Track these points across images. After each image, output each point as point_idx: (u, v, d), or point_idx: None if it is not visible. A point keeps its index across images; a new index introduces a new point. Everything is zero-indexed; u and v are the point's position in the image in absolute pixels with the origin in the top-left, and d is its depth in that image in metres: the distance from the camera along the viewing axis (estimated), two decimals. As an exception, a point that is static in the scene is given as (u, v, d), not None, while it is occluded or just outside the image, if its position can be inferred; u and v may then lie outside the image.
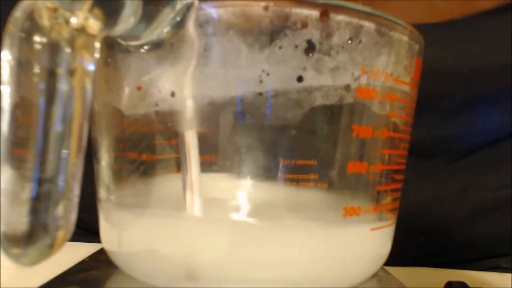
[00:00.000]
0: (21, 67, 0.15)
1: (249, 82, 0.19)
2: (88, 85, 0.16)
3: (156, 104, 0.20)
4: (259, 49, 0.19)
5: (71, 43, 0.16)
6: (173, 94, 0.20)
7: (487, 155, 0.45)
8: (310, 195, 0.21)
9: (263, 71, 0.19)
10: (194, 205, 0.20)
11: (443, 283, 0.31)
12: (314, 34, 0.19)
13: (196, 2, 0.18)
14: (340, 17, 0.19)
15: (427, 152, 0.45)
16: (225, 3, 0.19)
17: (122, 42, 0.20)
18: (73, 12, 0.16)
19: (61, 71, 0.16)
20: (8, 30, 0.15)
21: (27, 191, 0.16)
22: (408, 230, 0.37)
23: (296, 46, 0.19)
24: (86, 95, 0.16)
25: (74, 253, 0.26)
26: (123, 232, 0.22)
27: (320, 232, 0.21)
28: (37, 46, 0.15)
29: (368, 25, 0.20)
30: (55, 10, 0.15)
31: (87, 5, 0.16)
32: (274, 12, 0.18)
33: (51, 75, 0.16)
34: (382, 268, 0.27)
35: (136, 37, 0.19)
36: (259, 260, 0.20)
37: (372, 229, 0.22)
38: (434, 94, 0.42)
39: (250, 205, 0.20)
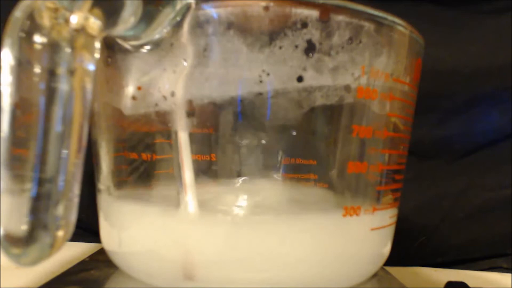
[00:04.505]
0: (21, 67, 0.15)
1: (249, 82, 0.19)
2: (88, 85, 0.16)
3: (156, 104, 0.20)
4: (259, 49, 0.19)
5: (71, 43, 0.16)
6: (173, 94, 0.20)
7: (487, 155, 0.45)
8: (310, 195, 0.21)
9: (263, 71, 0.19)
10: (190, 204, 0.20)
11: (443, 283, 0.31)
12: (314, 34, 0.19)
13: (197, 2, 0.18)
14: (340, 17, 0.19)
15: (427, 152, 0.45)
16: (225, 3, 0.19)
17: (122, 42, 0.20)
18: (73, 12, 0.16)
19: (61, 71, 0.16)
20: (8, 30, 0.15)
21: (27, 191, 0.16)
22: (408, 230, 0.37)
23: (296, 46, 0.19)
24: (86, 95, 0.16)
25: (74, 253, 0.26)
26: (123, 232, 0.22)
27: (320, 232, 0.21)
28: (37, 46, 0.15)
29: (368, 25, 0.20)
30: (55, 10, 0.15)
31: (87, 5, 0.16)
32: (274, 12, 0.18)
33: (51, 75, 0.16)
34: (382, 268, 0.27)
35: (136, 37, 0.19)
36: (258, 260, 0.20)
37: (372, 229, 0.22)
38: (434, 94, 0.42)
39: (249, 205, 0.20)
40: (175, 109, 0.20)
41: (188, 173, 0.20)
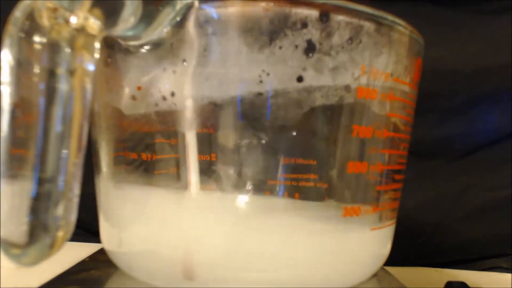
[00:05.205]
0: (21, 67, 0.15)
1: (249, 82, 0.19)
2: (88, 85, 0.16)
3: (156, 104, 0.20)
4: (259, 49, 0.19)
5: (71, 43, 0.16)
6: (173, 94, 0.20)
7: (487, 155, 0.45)
8: (310, 195, 0.21)
9: (263, 71, 0.19)
10: (193, 204, 0.20)
11: (443, 283, 0.31)
12: (314, 34, 0.19)
13: (196, 2, 0.18)
14: (340, 17, 0.19)
15: (427, 152, 0.45)
16: (225, 3, 0.19)
17: (122, 42, 0.20)
18: (73, 12, 0.16)
19: (61, 71, 0.16)
20: (8, 30, 0.15)
21: (27, 191, 0.16)
22: (408, 230, 0.37)
23: (296, 46, 0.19)
24: (86, 95, 0.16)
25: (74, 253, 0.26)
26: (123, 232, 0.22)
27: (320, 232, 0.21)
28: (37, 46, 0.15)
29: (368, 25, 0.20)
30: (55, 10, 0.15)
31: (87, 5, 0.16)
32: (274, 12, 0.18)
33: (51, 75, 0.16)
34: (382, 268, 0.27)
35: (136, 37, 0.19)
36: (258, 260, 0.20)
37: (372, 229, 0.22)
38: (434, 94, 0.42)
39: (249, 205, 0.20)
40: (175, 109, 0.20)
41: (193, 174, 0.20)
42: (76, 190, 0.17)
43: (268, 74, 0.19)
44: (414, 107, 0.24)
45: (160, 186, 0.22)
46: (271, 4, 0.18)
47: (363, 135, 0.21)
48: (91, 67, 0.16)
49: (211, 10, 0.19)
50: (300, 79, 0.19)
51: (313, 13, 0.19)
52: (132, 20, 0.18)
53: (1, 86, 0.15)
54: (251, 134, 0.20)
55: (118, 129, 0.23)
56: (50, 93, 0.16)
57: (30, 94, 0.16)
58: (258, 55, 0.19)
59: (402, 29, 0.21)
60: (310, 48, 0.19)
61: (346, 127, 0.21)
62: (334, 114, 0.20)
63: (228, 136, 0.20)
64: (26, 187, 0.16)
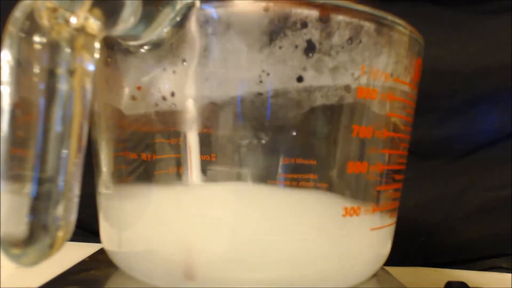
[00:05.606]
0: (21, 67, 0.15)
1: (249, 82, 0.19)
2: (88, 85, 0.16)
3: (156, 104, 0.20)
4: (259, 49, 0.19)
5: (71, 43, 0.16)
6: (173, 94, 0.20)
7: (487, 155, 0.45)
8: (310, 195, 0.21)
9: (263, 71, 0.19)
10: (193, 204, 0.20)
11: (443, 283, 0.31)
12: (314, 34, 0.19)
13: (197, 2, 0.18)
14: (340, 17, 0.19)
15: (427, 152, 0.45)
16: (225, 3, 0.19)
17: (122, 42, 0.20)
18: (73, 12, 0.16)
19: (61, 71, 0.16)
20: (8, 30, 0.15)
21: (27, 191, 0.16)
22: (408, 230, 0.37)
23: (296, 46, 0.19)
24: (86, 95, 0.16)
25: (74, 253, 0.26)
26: (123, 232, 0.22)
27: (320, 232, 0.21)
28: (37, 46, 0.15)
29: (368, 25, 0.20)
30: (55, 10, 0.15)
31: (87, 5, 0.16)
32: (274, 12, 0.18)
33: (51, 75, 0.16)
34: (382, 268, 0.27)
35: (136, 37, 0.19)
36: (258, 260, 0.20)
37: (372, 229, 0.22)
38: (434, 94, 0.42)
39: (249, 205, 0.20)
40: (175, 109, 0.20)
41: (195, 174, 0.20)
42: (76, 190, 0.17)
43: (268, 74, 0.19)
44: (414, 107, 0.24)
45: (160, 186, 0.22)
46: (271, 4, 0.18)
47: (363, 135, 0.21)
48: (91, 67, 0.16)
49: (211, 10, 0.19)
50: (300, 79, 0.19)
51: (313, 13, 0.19)
52: (132, 20, 0.18)
53: (1, 86, 0.15)
54: (251, 134, 0.20)
55: (118, 129, 0.23)
56: (50, 93, 0.16)
57: (30, 94, 0.16)
58: (258, 55, 0.19)
59: (402, 29, 0.21)
60: (310, 48, 0.19)
61: (346, 127, 0.21)
62: (334, 114, 0.20)
63: (228, 136, 0.20)
64: (26, 187, 0.16)
